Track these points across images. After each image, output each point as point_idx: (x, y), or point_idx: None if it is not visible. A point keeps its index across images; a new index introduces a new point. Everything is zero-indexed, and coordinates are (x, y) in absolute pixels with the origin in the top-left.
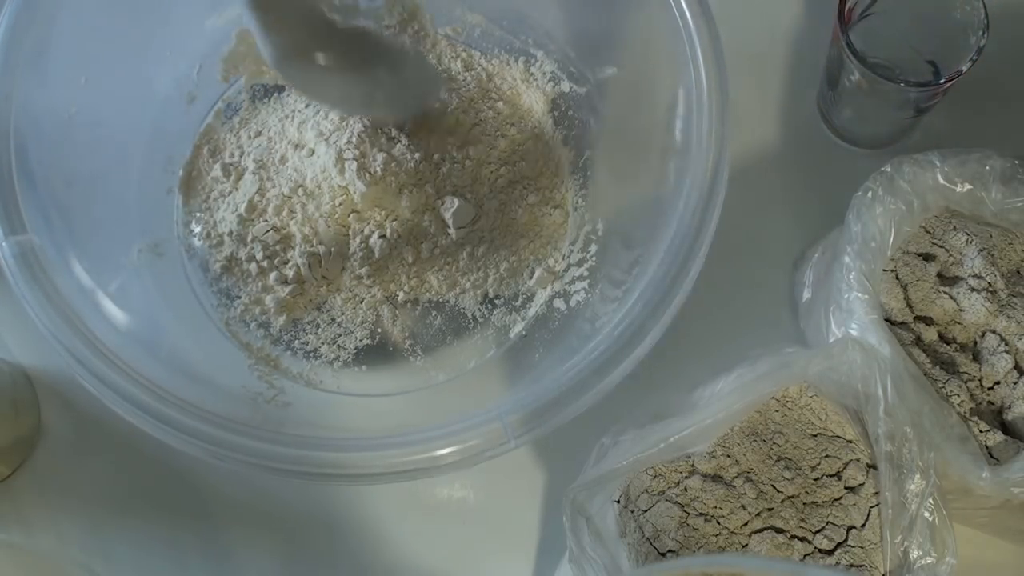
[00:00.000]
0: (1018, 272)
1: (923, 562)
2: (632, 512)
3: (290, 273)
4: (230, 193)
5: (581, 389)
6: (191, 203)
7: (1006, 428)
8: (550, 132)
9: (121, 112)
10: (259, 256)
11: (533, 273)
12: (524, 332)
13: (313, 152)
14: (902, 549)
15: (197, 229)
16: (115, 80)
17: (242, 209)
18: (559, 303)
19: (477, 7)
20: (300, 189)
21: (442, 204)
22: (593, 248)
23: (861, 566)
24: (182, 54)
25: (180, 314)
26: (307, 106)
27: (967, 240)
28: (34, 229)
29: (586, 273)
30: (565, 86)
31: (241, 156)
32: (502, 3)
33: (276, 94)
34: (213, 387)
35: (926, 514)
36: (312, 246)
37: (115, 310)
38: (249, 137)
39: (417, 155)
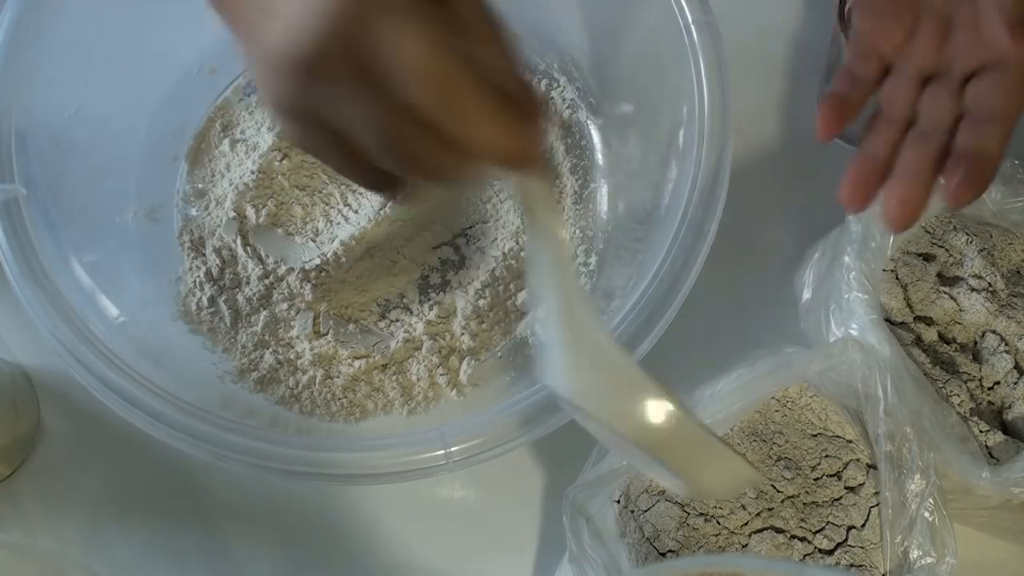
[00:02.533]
0: (1018, 272)
1: (923, 562)
2: (632, 512)
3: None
4: (233, 170)
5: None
6: (195, 173)
7: (1006, 428)
8: (560, 158)
9: (137, 77)
10: (249, 238)
11: (519, 296)
12: (500, 354)
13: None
14: (902, 549)
15: (196, 200)
16: (134, 45)
17: (242, 188)
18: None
19: (509, 23)
20: (303, 189)
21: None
22: (582, 281)
23: (861, 566)
24: (208, 26)
25: (162, 282)
26: None
27: (967, 240)
28: (25, 179)
29: None
30: (582, 115)
31: (252, 135)
32: (533, 24)
33: None
34: (185, 371)
35: (926, 514)
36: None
37: (101, 281)
38: (263, 118)
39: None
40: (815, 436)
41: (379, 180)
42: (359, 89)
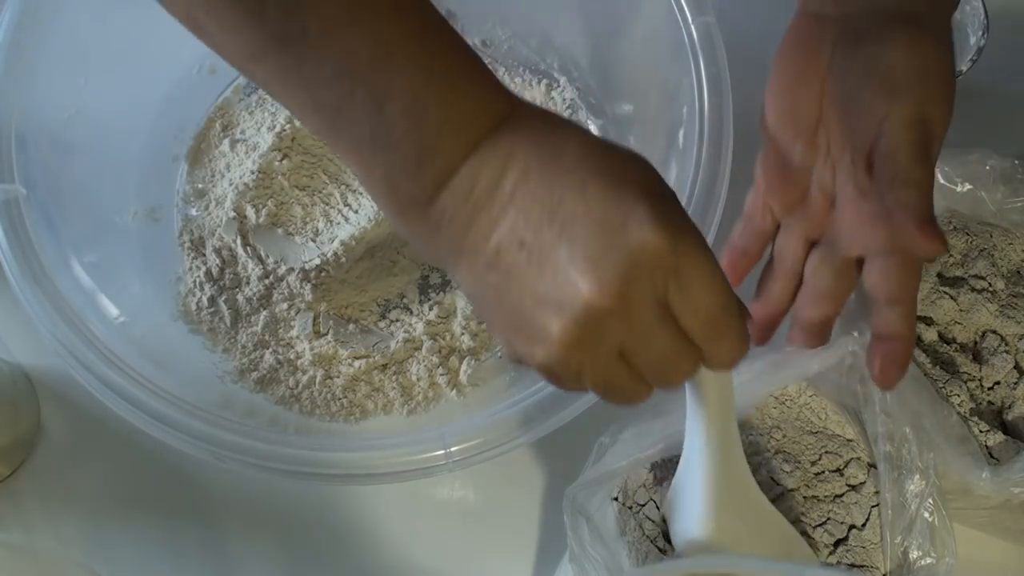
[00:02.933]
0: (1018, 272)
1: (923, 562)
2: (631, 509)
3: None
4: (233, 170)
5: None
6: (195, 173)
7: (1006, 428)
8: None
9: (136, 77)
10: (249, 238)
11: None
12: (500, 354)
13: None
14: (902, 549)
15: (196, 200)
16: (133, 45)
17: (242, 188)
18: None
19: (507, 23)
20: (303, 189)
21: None
22: None
23: (862, 566)
24: None
25: (162, 282)
26: None
27: (967, 240)
28: (25, 179)
29: None
30: (582, 115)
31: (252, 135)
32: (532, 23)
33: None
34: (185, 371)
35: (926, 515)
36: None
37: (101, 281)
38: (263, 118)
39: None
40: (815, 433)
41: (627, 395)
42: (655, 321)
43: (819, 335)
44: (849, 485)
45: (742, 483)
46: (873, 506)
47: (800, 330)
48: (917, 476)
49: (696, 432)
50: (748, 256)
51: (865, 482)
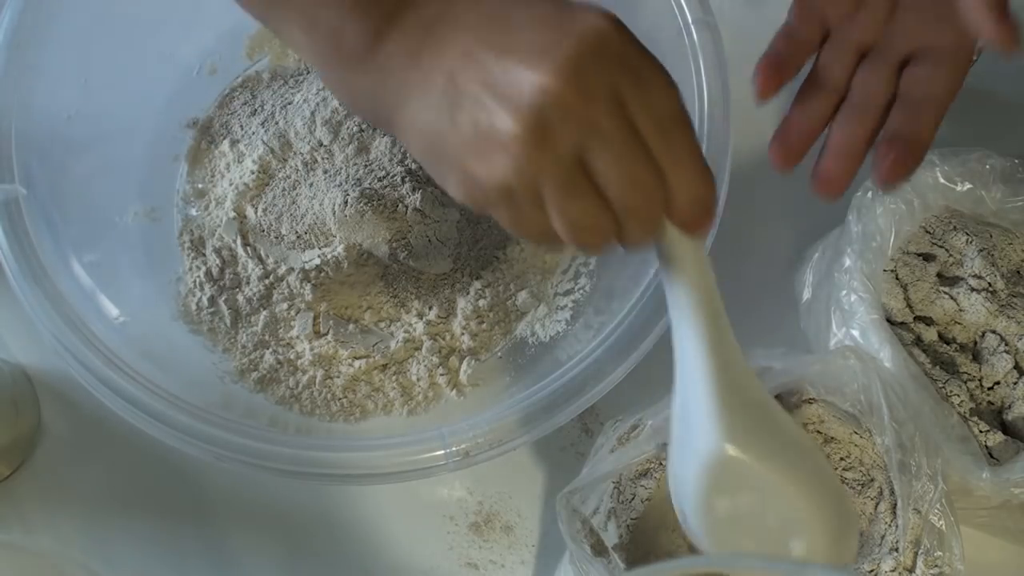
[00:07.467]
0: (1018, 272)
1: (931, 567)
2: (622, 502)
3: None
4: (233, 170)
5: (580, 389)
6: (195, 173)
7: (1006, 428)
8: None
9: (137, 77)
10: (249, 238)
11: (519, 296)
12: (499, 354)
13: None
14: (911, 553)
15: (196, 200)
16: (134, 45)
17: (242, 188)
18: (539, 329)
19: None
20: (301, 186)
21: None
22: (583, 281)
23: (871, 571)
24: (209, 26)
25: (162, 282)
26: (322, 98)
27: (967, 240)
28: (25, 179)
29: (571, 304)
30: None
31: (252, 135)
32: None
33: (297, 78)
34: (185, 371)
35: (934, 520)
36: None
37: (101, 281)
38: (263, 118)
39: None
40: (816, 434)
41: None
42: (614, 117)
43: (860, 154)
44: (852, 488)
45: (745, 379)
46: (881, 511)
47: (839, 152)
48: (926, 482)
49: (682, 320)
50: (788, 64)
51: (870, 487)
